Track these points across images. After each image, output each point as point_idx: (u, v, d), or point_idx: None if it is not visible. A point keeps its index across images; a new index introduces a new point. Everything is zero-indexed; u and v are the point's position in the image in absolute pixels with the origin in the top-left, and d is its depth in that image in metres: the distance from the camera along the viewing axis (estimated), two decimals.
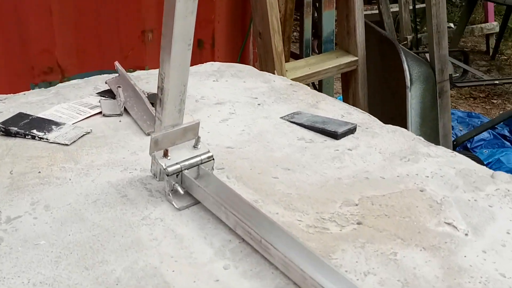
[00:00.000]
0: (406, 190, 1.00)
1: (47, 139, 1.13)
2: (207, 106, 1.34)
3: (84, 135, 1.16)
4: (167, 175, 0.93)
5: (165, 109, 0.93)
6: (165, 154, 0.94)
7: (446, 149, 1.18)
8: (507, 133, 3.82)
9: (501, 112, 3.63)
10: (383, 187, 1.00)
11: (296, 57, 3.69)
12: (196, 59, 1.54)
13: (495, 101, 4.70)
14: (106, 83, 1.37)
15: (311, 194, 0.97)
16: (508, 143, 3.71)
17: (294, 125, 1.25)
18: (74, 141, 1.14)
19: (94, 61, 2.50)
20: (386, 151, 1.15)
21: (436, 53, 3.03)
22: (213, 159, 0.98)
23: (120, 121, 1.24)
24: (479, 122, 3.93)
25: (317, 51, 3.61)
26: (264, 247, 0.79)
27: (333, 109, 1.36)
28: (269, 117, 1.30)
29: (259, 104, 1.36)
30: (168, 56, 0.87)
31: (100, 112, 1.27)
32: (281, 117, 1.29)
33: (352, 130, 1.23)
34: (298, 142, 1.17)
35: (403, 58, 2.94)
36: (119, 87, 1.29)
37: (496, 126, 3.52)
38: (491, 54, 5.21)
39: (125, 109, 1.26)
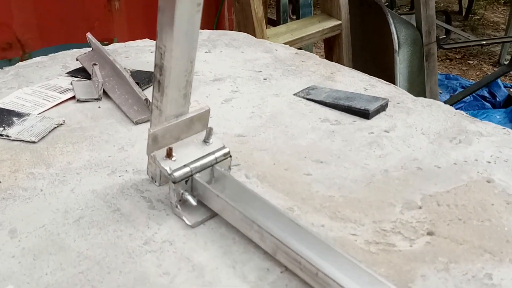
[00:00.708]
0: (471, 182, 0.78)
1: (8, 136, 0.86)
2: (203, 83, 1.09)
3: (55, 128, 0.90)
4: (174, 182, 0.68)
5: (166, 94, 0.67)
6: (169, 154, 0.69)
7: (495, 125, 0.96)
8: (486, 94, 3.68)
9: (490, 73, 3.46)
10: (443, 180, 0.78)
11: (273, 23, 3.43)
12: None
13: (471, 62, 4.54)
14: (77, 60, 1.10)
15: (359, 196, 0.74)
16: (488, 104, 3.57)
17: (312, 103, 1.01)
18: (43, 137, 0.87)
19: (57, 34, 2.20)
20: (429, 131, 0.92)
21: (423, 14, 2.81)
22: (230, 156, 0.74)
23: (99, 108, 0.98)
24: (457, 84, 3.78)
25: (293, 16, 3.36)
26: (323, 283, 0.56)
27: (352, 81, 1.12)
28: (280, 94, 1.05)
29: (265, 79, 1.12)
30: (170, 22, 0.62)
31: (73, 97, 1.00)
32: (295, 94, 1.05)
33: (383, 107, 1.00)
34: (322, 125, 0.94)
35: (391, 20, 2.71)
36: (95, 64, 1.02)
37: None
38: (464, 14, 5.04)
39: (104, 92, 1.00)
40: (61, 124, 0.91)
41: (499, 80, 3.54)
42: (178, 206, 0.70)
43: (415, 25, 2.79)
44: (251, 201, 0.68)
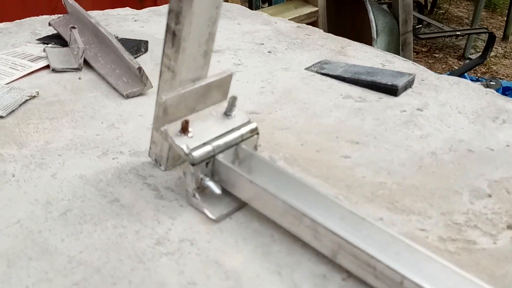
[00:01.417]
0: None
1: None
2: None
3: (27, 100, 0.72)
4: (193, 165, 0.52)
5: (184, 50, 0.51)
6: (185, 129, 0.53)
7: None
8: None
9: (464, 63, 3.42)
10: (501, 165, 0.65)
11: None
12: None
13: (437, 55, 4.52)
14: (50, 25, 0.91)
15: (415, 182, 0.60)
16: None
17: (329, 79, 0.87)
18: (13, 111, 0.69)
19: (14, 10, 1.98)
20: (466, 110, 0.79)
21: (400, 3, 2.72)
22: (258, 133, 0.58)
23: (79, 79, 0.80)
24: None
25: (264, 5, 3.22)
26: None
27: (366, 56, 0.98)
28: (290, 68, 0.90)
29: (269, 52, 0.96)
30: None
31: (48, 67, 0.82)
32: (307, 68, 0.90)
33: (410, 83, 0.86)
34: (345, 102, 0.79)
35: (369, 7, 2.60)
36: (73, 27, 0.83)
37: None
38: (429, 8, 5.02)
39: (85, 60, 0.82)
40: (34, 96, 0.73)
41: (466, 74, 3.51)
42: (197, 195, 0.54)
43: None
44: (292, 188, 0.52)
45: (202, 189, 0.54)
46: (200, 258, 0.48)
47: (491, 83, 3.27)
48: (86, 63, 0.82)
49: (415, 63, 0.98)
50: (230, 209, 0.54)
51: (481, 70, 3.92)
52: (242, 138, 0.56)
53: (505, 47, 4.19)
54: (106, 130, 0.68)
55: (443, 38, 4.00)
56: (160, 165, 0.60)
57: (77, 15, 0.89)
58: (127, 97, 0.75)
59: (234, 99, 0.57)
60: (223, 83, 0.57)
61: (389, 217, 0.54)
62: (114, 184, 0.57)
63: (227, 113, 0.57)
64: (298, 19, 2.41)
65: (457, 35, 2.80)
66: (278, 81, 0.85)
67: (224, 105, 0.58)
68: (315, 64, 0.92)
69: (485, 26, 4.04)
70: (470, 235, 0.52)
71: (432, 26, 3.92)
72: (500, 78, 3.67)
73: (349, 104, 0.79)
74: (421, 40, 3.41)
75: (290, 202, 0.48)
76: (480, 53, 3.01)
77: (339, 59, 0.95)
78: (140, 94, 0.76)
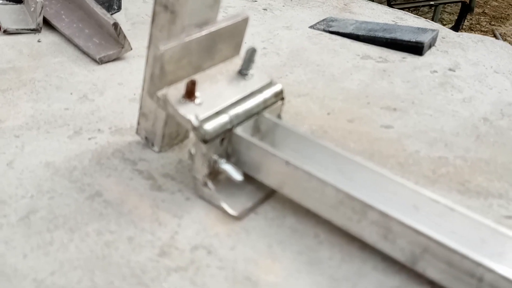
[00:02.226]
0: None
1: None
2: None
3: None
4: (205, 142, 0.36)
5: None
6: (191, 93, 0.38)
7: None
8: None
9: None
10: None
11: None
12: None
13: None
14: None
15: (482, 155, 0.46)
16: None
17: (340, 37, 0.72)
18: None
19: None
20: (503, 70, 0.66)
21: None
22: (283, 98, 0.43)
23: (39, 42, 0.63)
24: None
25: None
26: None
27: (374, 13, 0.83)
28: (292, 27, 0.75)
29: (265, 9, 0.81)
30: None
31: None
32: (311, 27, 0.75)
33: (434, 40, 0.72)
34: (365, 63, 0.65)
35: None
36: None
37: None
38: None
39: (44, 20, 0.65)
40: None
41: None
42: (210, 184, 0.38)
43: None
44: (336, 167, 0.38)
45: (215, 175, 0.39)
46: (225, 273, 0.33)
47: None
48: (46, 22, 0.65)
49: (428, 20, 0.85)
50: (255, 200, 0.39)
51: None
52: (265, 105, 0.41)
53: (471, 19, 4.12)
54: (77, 103, 0.51)
55: (411, 9, 3.90)
56: (152, 145, 0.44)
57: None
58: (101, 61, 0.58)
59: (252, 51, 0.41)
60: (237, 31, 0.42)
61: (464, 202, 0.40)
62: (93, 173, 0.41)
63: (243, 72, 0.42)
64: None
65: (431, 5, 2.69)
66: (282, 40, 0.70)
67: (237, 61, 0.43)
68: (320, 21, 0.77)
69: None
70: None
71: None
72: None
73: (370, 65, 0.65)
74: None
75: (347, 190, 0.34)
76: (447, 25, 2.92)
77: (345, 17, 0.81)
78: (117, 58, 0.60)
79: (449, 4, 3.42)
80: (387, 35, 0.71)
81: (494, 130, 0.51)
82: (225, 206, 0.38)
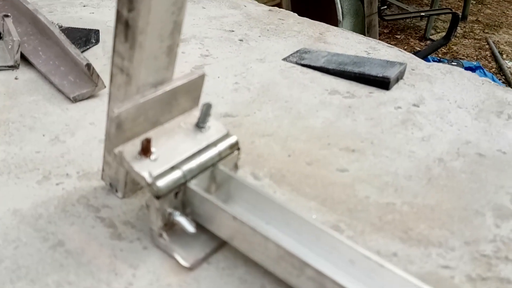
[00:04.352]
0: None
1: None
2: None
3: None
4: (158, 197, 0.39)
5: (141, 46, 0.38)
6: (146, 150, 0.40)
7: None
8: None
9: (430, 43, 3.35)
10: None
11: None
12: None
13: (398, 37, 4.46)
14: None
15: (428, 201, 0.49)
16: None
17: (311, 70, 0.75)
18: None
19: None
20: (466, 104, 0.69)
21: None
22: (239, 148, 0.45)
23: (16, 79, 0.65)
24: None
25: None
26: None
27: (348, 43, 0.86)
28: (266, 59, 0.77)
29: (241, 40, 0.83)
30: None
31: None
32: (284, 59, 0.78)
33: (402, 74, 0.75)
34: (332, 98, 0.68)
35: None
36: (6, 16, 0.68)
37: None
38: None
39: (22, 56, 0.67)
40: None
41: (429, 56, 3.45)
42: (164, 235, 0.41)
43: None
44: (284, 221, 0.40)
45: (171, 226, 0.41)
46: None
47: (453, 63, 3.21)
48: (24, 59, 0.68)
49: (401, 49, 0.87)
50: (208, 250, 0.41)
51: (442, 50, 3.88)
52: (220, 157, 0.44)
53: (464, 27, 4.15)
54: (48, 145, 0.54)
55: (405, 19, 3.94)
56: (116, 191, 0.47)
57: (12, 1, 0.74)
58: (75, 100, 0.61)
59: (208, 106, 0.44)
60: (194, 87, 0.44)
61: (404, 251, 0.43)
62: (58, 221, 0.44)
63: (199, 125, 0.44)
64: (261, 1, 2.28)
65: (422, 16, 2.73)
66: (254, 74, 0.72)
67: (196, 114, 0.45)
68: (293, 53, 0.80)
69: (446, 6, 3.99)
70: (503, 271, 0.41)
71: (393, 7, 3.85)
72: (460, 59, 3.63)
73: (337, 101, 0.67)
74: (385, 21, 3.33)
75: (284, 246, 0.36)
76: (441, 34, 2.95)
77: (319, 47, 0.83)
78: (91, 96, 0.63)
79: None
80: (356, 70, 0.73)
81: (446, 173, 0.54)
82: (178, 257, 0.40)
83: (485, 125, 0.64)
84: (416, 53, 3.05)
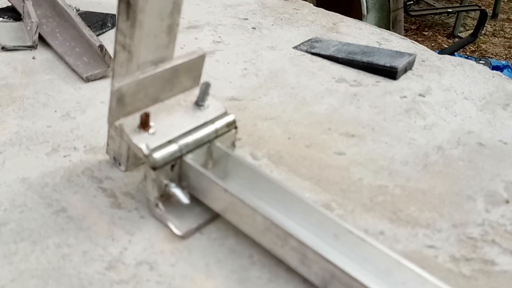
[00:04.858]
0: None
1: None
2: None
3: None
4: (154, 169, 0.41)
5: (141, 24, 0.40)
6: (144, 124, 0.42)
7: None
8: None
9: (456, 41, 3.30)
10: None
11: None
12: None
13: (426, 33, 4.41)
14: None
15: (421, 185, 0.50)
16: None
17: (320, 59, 0.76)
18: None
19: None
20: (473, 96, 0.69)
21: None
22: (236, 127, 0.47)
23: (34, 59, 0.69)
24: None
25: None
26: None
27: (361, 33, 0.87)
28: (277, 47, 0.79)
29: (254, 28, 0.85)
30: None
31: None
32: (295, 47, 0.79)
33: (411, 64, 0.76)
34: (339, 86, 0.69)
35: None
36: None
37: None
38: None
39: (40, 37, 0.70)
40: None
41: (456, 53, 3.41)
42: (160, 205, 0.43)
43: None
44: (275, 197, 0.42)
45: (167, 197, 0.44)
46: (161, 287, 0.38)
47: (481, 62, 3.16)
48: (42, 40, 0.71)
49: (414, 41, 0.88)
50: (201, 221, 0.43)
51: (470, 48, 3.82)
52: (217, 134, 0.46)
53: (495, 25, 4.08)
54: (59, 121, 0.56)
55: (433, 15, 3.89)
56: (119, 164, 0.49)
57: None
58: (88, 80, 0.64)
59: (207, 85, 0.46)
60: (194, 66, 0.46)
61: (392, 230, 0.44)
62: (62, 190, 0.46)
63: (198, 103, 0.46)
64: None
65: (449, 13, 2.69)
66: (263, 61, 0.74)
67: (196, 92, 0.47)
68: (304, 42, 0.81)
69: (476, 3, 3.92)
70: (488, 253, 0.42)
71: (422, 3, 3.81)
72: (489, 57, 3.57)
73: (343, 88, 0.68)
74: (411, 17, 3.29)
75: (272, 218, 0.38)
76: (470, 31, 2.91)
77: (331, 37, 0.85)
78: (103, 77, 0.65)
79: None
80: (365, 59, 0.74)
81: (443, 160, 0.55)
82: (171, 226, 0.43)
83: (490, 117, 0.65)
84: (442, 51, 3.02)
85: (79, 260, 0.40)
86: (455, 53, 3.26)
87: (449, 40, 4.05)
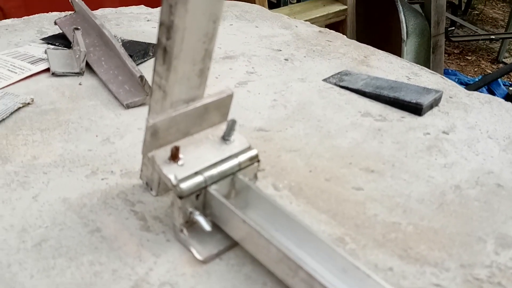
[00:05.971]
0: None
1: None
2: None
3: (20, 108, 0.67)
4: (180, 197, 0.45)
5: (175, 69, 0.44)
6: (174, 156, 0.47)
7: None
8: (485, 92, 3.49)
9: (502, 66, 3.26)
10: None
11: (273, 6, 3.20)
12: None
13: (469, 58, 4.35)
14: (55, 24, 0.86)
15: (434, 224, 0.52)
16: None
17: (348, 92, 0.79)
18: (3, 119, 0.64)
19: (42, 3, 1.93)
20: (497, 135, 0.71)
21: (433, 3, 2.60)
22: (259, 161, 0.51)
23: (80, 85, 0.75)
24: (456, 80, 3.59)
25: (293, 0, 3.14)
26: None
27: (391, 67, 0.90)
28: (307, 79, 0.83)
29: (286, 60, 0.89)
30: None
31: (48, 70, 0.76)
32: (325, 80, 0.83)
33: (437, 101, 0.78)
34: (364, 121, 0.72)
35: (400, 8, 2.49)
36: (77, 29, 0.78)
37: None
38: (463, 8, 4.83)
39: (87, 64, 0.76)
40: (29, 103, 0.68)
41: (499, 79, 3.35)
42: (184, 231, 0.47)
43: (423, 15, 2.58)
44: (290, 229, 0.46)
45: (191, 223, 0.48)
46: None
47: None
48: (88, 67, 0.77)
49: (444, 77, 0.90)
50: (222, 248, 0.47)
51: None
52: (240, 167, 0.50)
53: None
54: (99, 145, 0.62)
55: (477, 41, 3.84)
56: (151, 189, 0.54)
57: (83, 15, 0.84)
58: (128, 107, 0.69)
59: (233, 122, 0.50)
60: (222, 104, 0.51)
61: (400, 267, 0.47)
62: (98, 211, 0.51)
63: (225, 138, 0.51)
64: (326, 17, 2.33)
65: (492, 39, 2.67)
66: (293, 93, 0.78)
67: (223, 127, 0.51)
68: (334, 75, 0.84)
69: None
70: None
71: (466, 27, 3.77)
72: None
73: (368, 123, 0.71)
74: (453, 42, 3.27)
75: (285, 250, 0.42)
76: None
77: (361, 70, 0.88)
78: (142, 104, 0.71)
79: None
80: (391, 94, 0.77)
81: (459, 200, 0.57)
82: (193, 251, 0.47)
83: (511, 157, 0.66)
84: (485, 76, 2.98)
85: (109, 277, 0.44)
86: (499, 79, 3.21)
87: (493, 66, 3.99)
